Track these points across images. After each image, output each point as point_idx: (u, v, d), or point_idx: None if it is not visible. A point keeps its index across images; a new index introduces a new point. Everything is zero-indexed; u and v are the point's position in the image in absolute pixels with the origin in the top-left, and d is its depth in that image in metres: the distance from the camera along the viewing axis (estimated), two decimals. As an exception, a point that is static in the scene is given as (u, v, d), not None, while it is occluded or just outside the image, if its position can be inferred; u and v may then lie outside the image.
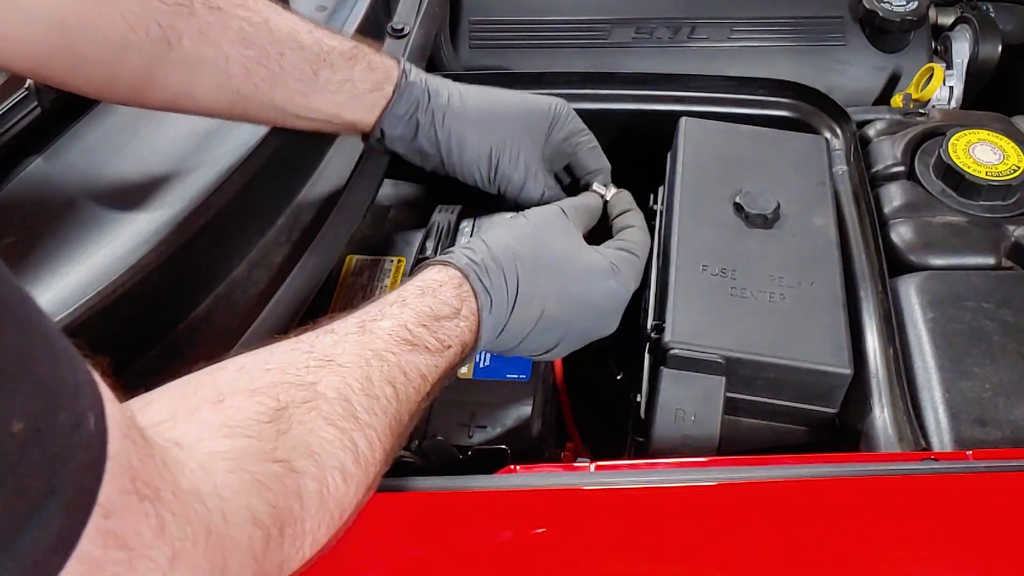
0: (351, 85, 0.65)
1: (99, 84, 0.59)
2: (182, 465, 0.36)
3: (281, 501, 0.40)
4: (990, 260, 0.69)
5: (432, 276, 0.57)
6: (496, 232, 0.62)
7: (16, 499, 0.25)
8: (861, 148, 0.80)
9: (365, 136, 0.70)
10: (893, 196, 0.75)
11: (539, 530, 0.49)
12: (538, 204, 0.71)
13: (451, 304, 0.55)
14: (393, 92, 0.67)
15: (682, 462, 0.56)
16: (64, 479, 0.27)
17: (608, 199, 0.73)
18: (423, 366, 0.52)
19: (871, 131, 0.82)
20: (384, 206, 0.87)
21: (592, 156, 0.75)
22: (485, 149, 0.70)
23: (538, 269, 0.60)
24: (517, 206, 0.73)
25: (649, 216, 0.79)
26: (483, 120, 0.70)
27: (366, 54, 0.66)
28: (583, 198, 0.71)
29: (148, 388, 0.42)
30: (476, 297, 0.57)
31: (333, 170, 0.78)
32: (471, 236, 0.77)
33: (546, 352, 0.62)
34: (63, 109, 0.68)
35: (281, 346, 0.48)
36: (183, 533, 0.33)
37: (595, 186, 0.73)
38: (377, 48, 0.68)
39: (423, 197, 0.90)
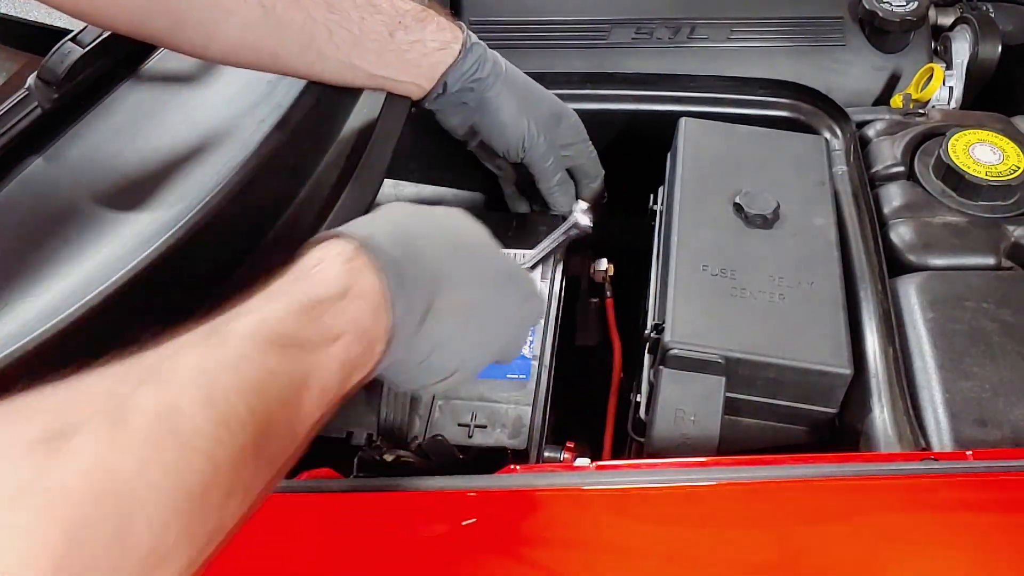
0: (421, 44, 0.69)
1: (195, 44, 0.63)
2: None
3: (37, 553, 0.29)
4: (990, 260, 0.69)
5: (309, 255, 0.44)
6: (396, 205, 0.51)
7: None
8: (861, 148, 0.80)
9: (417, 100, 0.74)
10: (893, 196, 0.75)
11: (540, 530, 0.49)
12: (552, 183, 0.78)
13: (336, 282, 0.42)
14: (460, 49, 0.71)
15: (682, 462, 0.56)
16: None
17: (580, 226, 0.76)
18: (298, 369, 0.40)
19: (871, 131, 0.82)
20: (384, 206, 0.87)
21: (593, 165, 0.81)
22: (523, 120, 0.75)
23: (451, 248, 0.49)
24: (521, 195, 0.78)
25: (649, 216, 0.79)
26: (528, 94, 0.76)
27: (434, 16, 0.70)
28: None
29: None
30: (373, 270, 0.43)
31: (333, 170, 0.78)
32: None
33: (447, 377, 0.49)
34: (63, 109, 0.68)
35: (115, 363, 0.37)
36: None
37: (576, 212, 0.76)
38: (441, 10, 0.72)
39: (423, 197, 0.90)
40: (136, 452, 0.32)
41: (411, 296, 0.45)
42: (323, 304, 0.41)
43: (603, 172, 0.80)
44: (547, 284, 0.76)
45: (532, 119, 0.76)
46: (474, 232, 0.53)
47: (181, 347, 0.38)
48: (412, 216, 0.50)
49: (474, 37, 0.73)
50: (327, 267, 0.43)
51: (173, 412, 0.34)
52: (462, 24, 0.73)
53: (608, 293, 0.82)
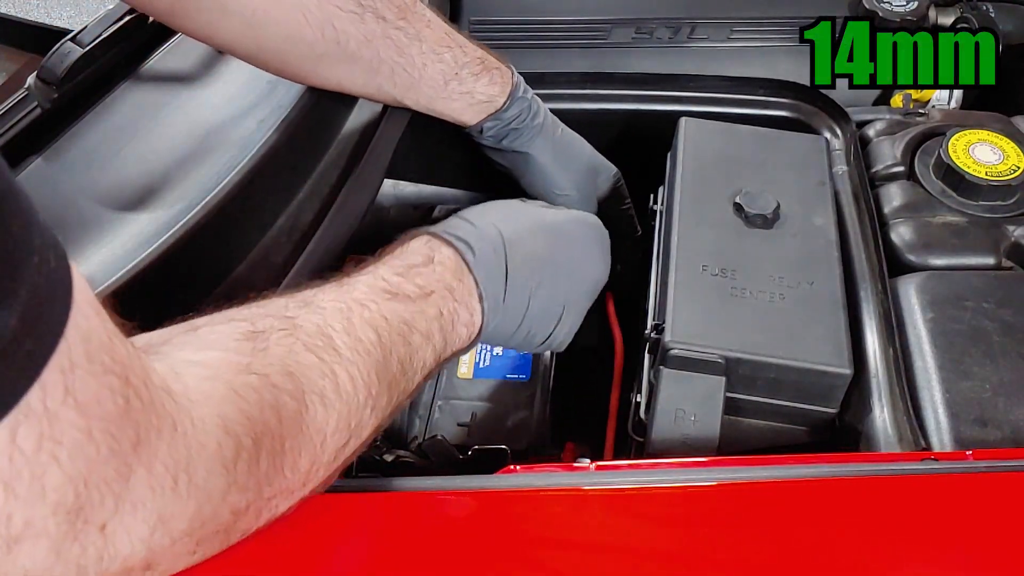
0: (470, 96, 0.73)
1: (274, 66, 0.68)
2: (151, 365, 0.35)
3: (256, 412, 0.39)
4: (990, 260, 0.68)
5: (399, 241, 0.59)
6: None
7: None
8: (861, 148, 0.80)
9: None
10: (893, 196, 0.75)
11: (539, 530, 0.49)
12: None
13: (420, 252, 0.56)
14: (503, 103, 0.74)
15: (682, 462, 0.56)
16: (21, 287, 0.26)
17: None
18: (406, 313, 0.52)
19: (871, 131, 0.82)
20: (384, 206, 0.87)
21: (629, 225, 0.82)
22: (555, 172, 0.77)
23: (510, 217, 0.62)
24: None
25: (649, 216, 0.79)
26: (565, 148, 0.78)
27: (490, 68, 0.73)
28: None
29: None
30: (447, 244, 0.57)
31: (333, 170, 0.78)
32: None
33: (559, 321, 0.62)
34: (63, 109, 0.68)
35: (258, 301, 0.48)
36: (148, 422, 0.33)
37: None
38: (499, 59, 0.75)
39: (423, 197, 0.90)
40: (306, 353, 0.44)
41: (486, 260, 0.57)
42: (414, 269, 0.54)
43: (639, 231, 0.81)
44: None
45: (565, 172, 0.77)
46: (523, 204, 0.66)
47: (322, 290, 0.50)
48: (472, 208, 0.63)
49: (522, 89, 0.75)
50: (413, 245, 0.57)
51: (327, 329, 0.46)
52: (514, 74, 0.75)
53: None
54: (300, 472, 0.42)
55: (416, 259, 0.56)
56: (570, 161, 0.78)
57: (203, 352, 0.40)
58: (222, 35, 0.65)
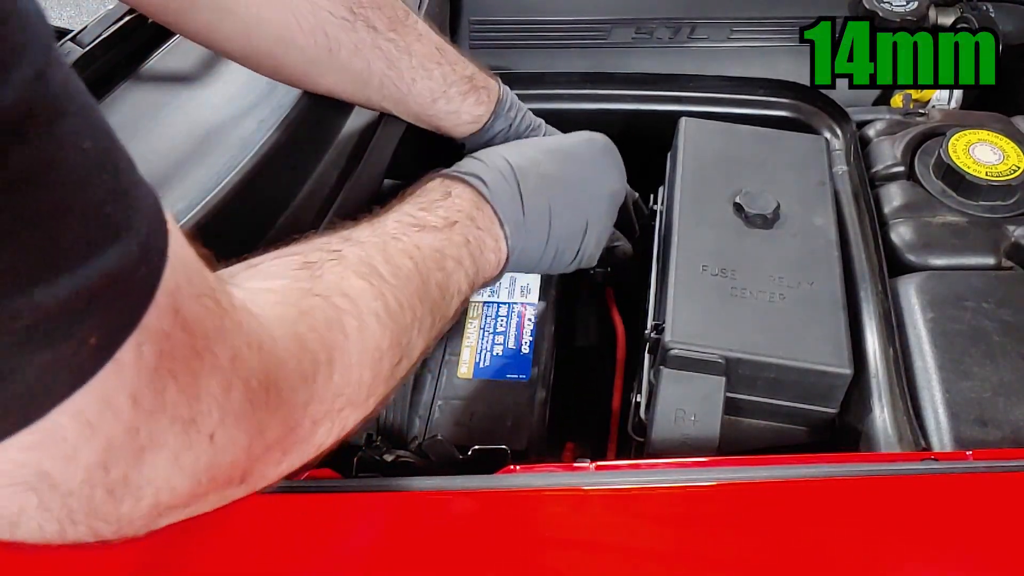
0: (456, 115, 0.73)
1: (267, 69, 0.69)
2: (232, 290, 0.38)
3: (325, 330, 0.43)
4: (990, 260, 0.69)
5: (417, 184, 0.62)
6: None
7: (95, 218, 0.27)
8: (861, 148, 0.80)
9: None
10: (893, 196, 0.75)
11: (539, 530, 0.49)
12: None
13: (437, 191, 0.60)
14: (488, 118, 0.74)
15: (682, 462, 0.56)
16: (138, 219, 0.29)
17: None
18: (435, 242, 0.55)
19: (871, 131, 0.82)
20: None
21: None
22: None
23: (517, 148, 0.65)
24: None
25: (649, 216, 0.79)
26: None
27: (478, 87, 0.73)
28: None
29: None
30: (460, 181, 0.61)
31: (333, 170, 0.78)
32: None
33: (584, 235, 0.65)
34: (63, 109, 0.68)
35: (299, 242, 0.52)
36: (239, 339, 0.35)
37: None
38: (489, 75, 0.76)
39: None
40: (356, 279, 0.48)
41: (499, 188, 0.60)
42: (435, 203, 0.58)
43: (624, 241, 0.81)
44: (545, 284, 0.76)
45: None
46: (530, 139, 0.70)
47: (356, 228, 0.53)
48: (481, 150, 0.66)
49: (508, 107, 0.75)
50: (431, 185, 0.60)
51: (369, 259, 0.49)
52: (501, 92, 0.75)
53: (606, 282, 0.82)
54: (364, 385, 0.46)
55: (435, 195, 0.59)
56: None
57: (269, 281, 0.44)
58: (217, 36, 0.65)
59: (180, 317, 0.31)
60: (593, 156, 0.68)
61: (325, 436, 0.44)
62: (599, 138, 0.71)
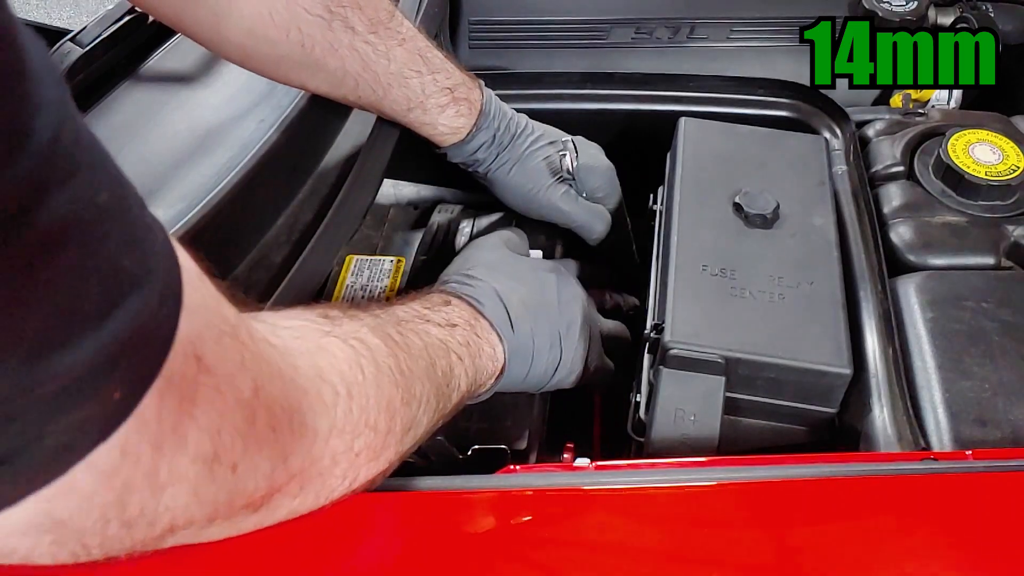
0: (432, 127, 0.73)
1: (235, 58, 0.68)
2: (252, 323, 0.38)
3: (344, 366, 0.44)
4: (990, 260, 0.69)
5: (408, 297, 0.62)
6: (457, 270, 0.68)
7: (114, 272, 0.27)
8: (861, 148, 0.80)
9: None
10: (892, 196, 0.75)
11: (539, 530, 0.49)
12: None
13: (436, 298, 0.60)
14: (467, 135, 0.74)
15: (682, 462, 0.56)
16: (154, 266, 0.29)
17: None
18: (440, 334, 0.56)
19: (870, 131, 0.82)
20: (384, 206, 0.87)
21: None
22: (525, 187, 0.77)
23: (499, 271, 0.65)
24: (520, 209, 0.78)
25: (649, 216, 0.79)
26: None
27: (459, 100, 0.72)
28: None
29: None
30: (457, 296, 0.61)
31: (333, 170, 0.78)
32: (470, 236, 0.78)
33: (560, 356, 0.64)
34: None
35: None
36: (260, 370, 0.36)
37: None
38: (473, 84, 0.74)
39: (423, 197, 0.90)
40: (371, 336, 0.48)
41: (493, 306, 0.61)
42: (438, 307, 0.59)
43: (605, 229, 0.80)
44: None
45: (536, 188, 0.77)
46: (505, 256, 0.68)
47: (366, 309, 0.53)
48: (469, 264, 0.66)
49: (492, 118, 0.74)
50: (430, 296, 0.61)
51: (383, 326, 0.50)
52: (484, 103, 0.74)
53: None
54: (381, 433, 0.45)
55: (436, 301, 0.60)
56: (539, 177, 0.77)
57: (289, 320, 0.44)
58: (186, 20, 0.64)
59: (200, 359, 0.31)
60: (558, 282, 0.67)
61: (340, 480, 0.44)
62: (560, 268, 0.70)
